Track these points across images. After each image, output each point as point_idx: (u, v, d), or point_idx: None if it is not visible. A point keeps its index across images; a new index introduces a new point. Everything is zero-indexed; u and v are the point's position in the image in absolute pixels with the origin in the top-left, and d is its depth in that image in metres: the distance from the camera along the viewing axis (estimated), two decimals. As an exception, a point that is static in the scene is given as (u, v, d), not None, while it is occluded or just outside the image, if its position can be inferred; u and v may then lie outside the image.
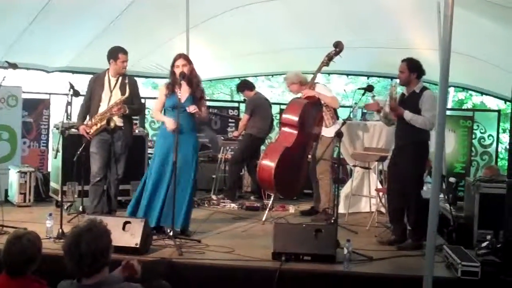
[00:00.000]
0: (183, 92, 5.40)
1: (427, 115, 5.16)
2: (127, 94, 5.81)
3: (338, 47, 6.37)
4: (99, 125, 5.81)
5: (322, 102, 6.41)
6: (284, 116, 6.38)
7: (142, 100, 8.12)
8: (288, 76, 6.75)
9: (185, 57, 5.59)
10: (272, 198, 6.60)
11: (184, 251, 4.79)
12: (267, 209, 6.50)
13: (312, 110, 6.35)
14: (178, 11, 7.68)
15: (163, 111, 5.58)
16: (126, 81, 5.88)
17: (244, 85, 8.05)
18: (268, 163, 6.15)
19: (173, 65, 5.52)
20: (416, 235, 5.27)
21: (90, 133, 5.82)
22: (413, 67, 5.31)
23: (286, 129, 6.31)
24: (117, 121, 5.81)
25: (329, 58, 6.40)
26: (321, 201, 6.52)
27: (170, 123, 5.34)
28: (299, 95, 6.56)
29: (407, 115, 5.22)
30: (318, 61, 6.57)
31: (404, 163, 5.28)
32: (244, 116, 7.89)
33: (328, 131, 6.43)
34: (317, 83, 6.57)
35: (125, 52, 5.87)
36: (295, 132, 6.22)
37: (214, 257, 4.73)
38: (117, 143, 5.88)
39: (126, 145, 5.95)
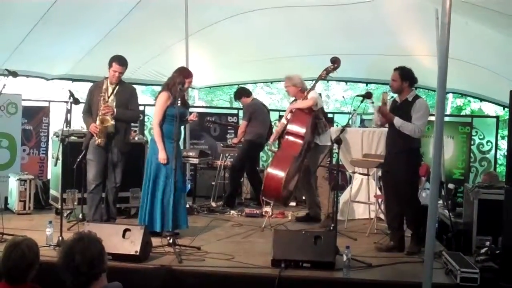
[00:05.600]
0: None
1: (417, 123, 5.20)
2: (112, 96, 5.82)
3: (336, 63, 6.46)
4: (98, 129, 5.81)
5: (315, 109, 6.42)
6: (290, 127, 6.32)
7: (141, 107, 8.17)
8: (292, 77, 6.59)
9: None
10: (271, 205, 6.60)
11: (184, 258, 4.79)
12: (267, 216, 6.51)
13: (312, 120, 6.38)
14: (178, 18, 7.72)
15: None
16: (122, 87, 5.91)
17: (241, 93, 8.02)
18: (278, 172, 6.14)
19: (183, 81, 5.61)
20: (418, 238, 5.27)
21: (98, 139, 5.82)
22: (405, 76, 5.32)
23: (291, 138, 6.31)
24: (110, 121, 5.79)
25: (327, 72, 6.50)
26: (323, 207, 6.53)
27: (163, 156, 5.50)
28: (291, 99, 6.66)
29: (397, 121, 5.25)
30: (316, 68, 6.59)
31: (397, 171, 5.30)
32: (242, 123, 7.89)
33: (320, 139, 6.46)
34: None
35: (121, 62, 5.78)
36: (301, 141, 6.25)
37: (214, 264, 4.73)
38: (113, 151, 5.90)
39: (121, 152, 5.93)
